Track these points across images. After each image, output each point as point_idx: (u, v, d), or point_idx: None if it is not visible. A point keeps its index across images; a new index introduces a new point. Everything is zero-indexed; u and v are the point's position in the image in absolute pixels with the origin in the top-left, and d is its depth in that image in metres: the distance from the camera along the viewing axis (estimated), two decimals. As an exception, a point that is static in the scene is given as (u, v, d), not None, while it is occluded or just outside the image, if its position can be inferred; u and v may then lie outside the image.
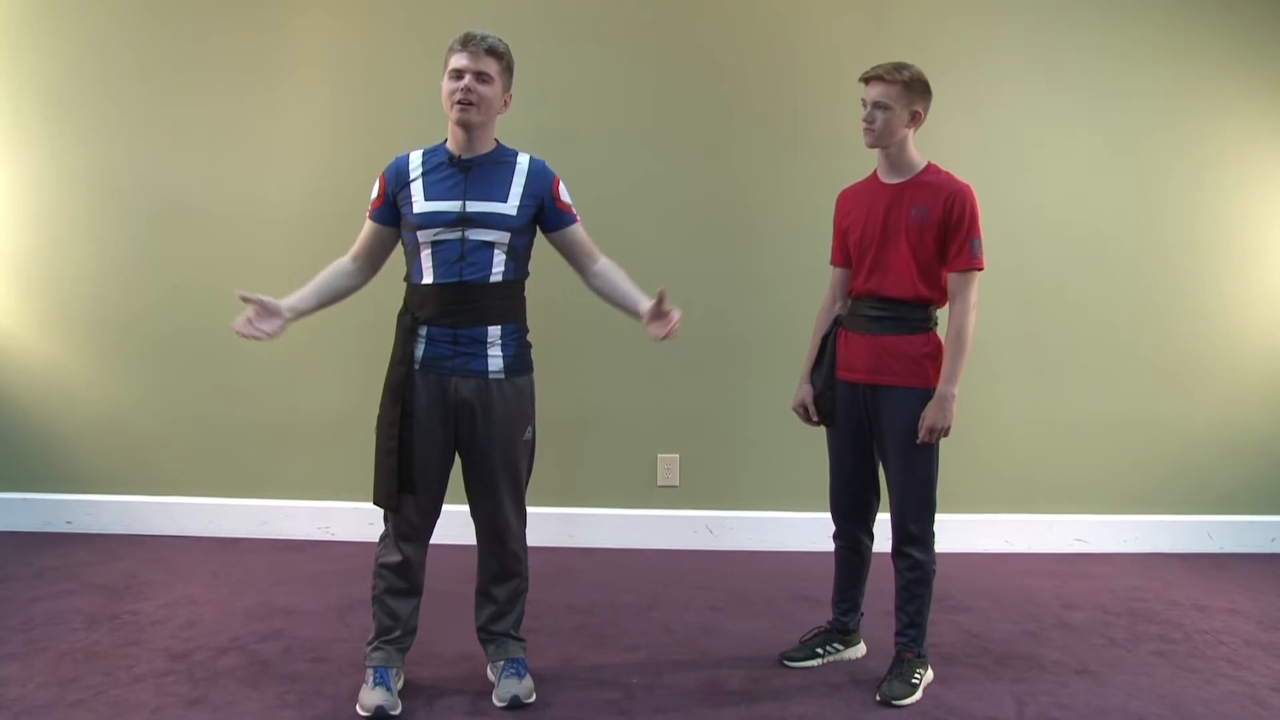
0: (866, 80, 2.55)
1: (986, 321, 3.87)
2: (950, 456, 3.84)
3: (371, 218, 2.48)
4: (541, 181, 2.46)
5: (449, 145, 2.43)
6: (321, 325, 3.84)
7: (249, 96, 3.90)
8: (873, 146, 2.57)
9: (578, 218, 2.52)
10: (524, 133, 3.85)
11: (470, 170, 2.40)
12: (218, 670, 2.63)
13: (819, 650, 2.76)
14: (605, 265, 2.53)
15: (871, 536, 2.76)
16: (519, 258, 2.46)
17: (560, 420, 3.95)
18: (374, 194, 2.47)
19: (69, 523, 4.00)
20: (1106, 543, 4.00)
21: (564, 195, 2.49)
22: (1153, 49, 3.91)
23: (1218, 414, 3.99)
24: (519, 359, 2.49)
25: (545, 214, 2.47)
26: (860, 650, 2.82)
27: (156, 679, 2.56)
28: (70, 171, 3.93)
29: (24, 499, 4.02)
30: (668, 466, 3.97)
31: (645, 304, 2.42)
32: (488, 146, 2.43)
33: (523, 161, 2.46)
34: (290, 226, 3.89)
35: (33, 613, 3.05)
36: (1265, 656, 2.87)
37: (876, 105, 2.51)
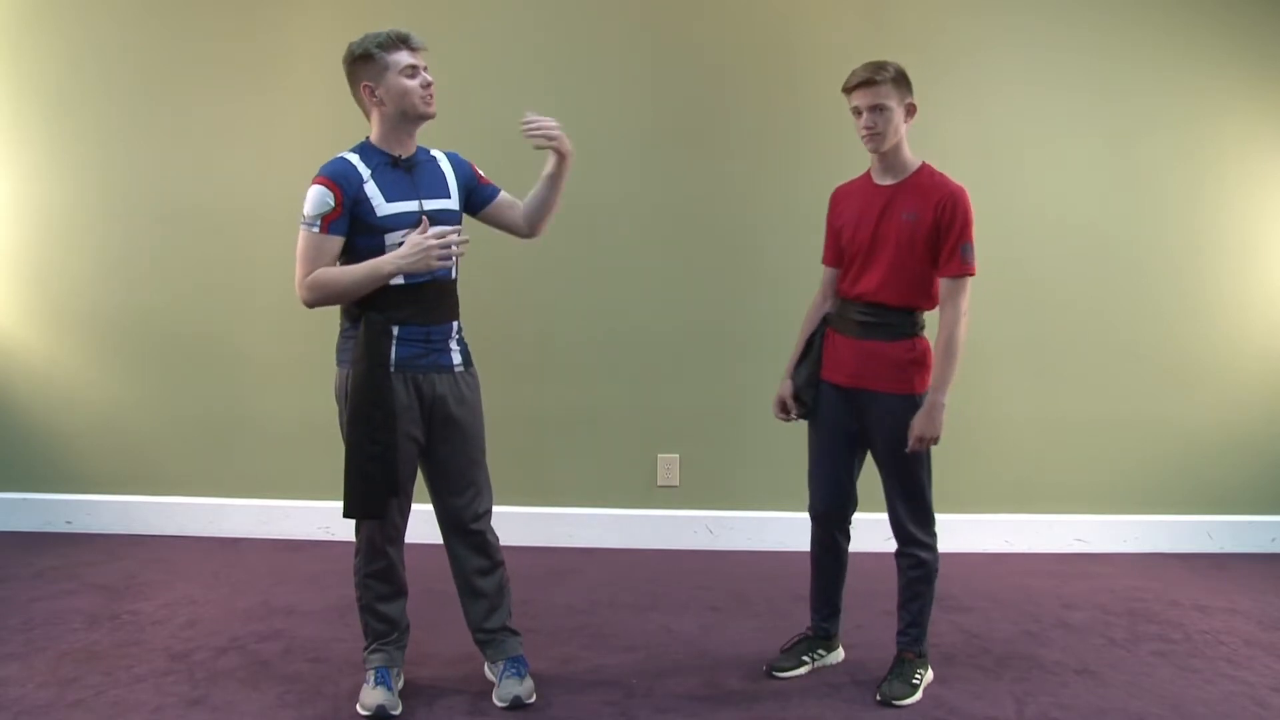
0: (855, 87, 2.49)
1: (986, 321, 3.88)
2: (950, 456, 3.85)
3: (328, 230, 2.32)
4: (464, 169, 2.55)
5: (383, 146, 2.41)
6: (320, 325, 3.84)
7: (249, 96, 3.90)
8: (879, 150, 2.52)
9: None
10: (520, 132, 3.86)
11: (413, 169, 2.42)
12: (218, 670, 2.64)
13: (805, 658, 2.74)
14: (525, 200, 2.61)
15: (848, 537, 2.74)
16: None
17: (560, 420, 3.95)
18: (326, 205, 2.31)
19: (69, 523, 4.00)
20: (1106, 543, 4.00)
21: (482, 172, 2.60)
22: (1153, 49, 3.90)
23: (1218, 414, 3.99)
24: (468, 352, 2.55)
25: (474, 195, 2.55)
26: (840, 655, 2.80)
27: (156, 679, 2.56)
28: (70, 171, 3.93)
29: (24, 499, 4.02)
30: (668, 466, 3.97)
31: (550, 163, 2.53)
32: (415, 144, 2.47)
33: (442, 156, 2.53)
34: (290, 226, 3.82)
35: (33, 613, 3.05)
36: (1265, 656, 2.87)
37: (875, 109, 2.46)
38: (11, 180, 3.94)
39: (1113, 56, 3.90)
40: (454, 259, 2.45)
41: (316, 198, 2.33)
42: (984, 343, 3.88)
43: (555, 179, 2.54)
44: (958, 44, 3.88)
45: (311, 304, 2.37)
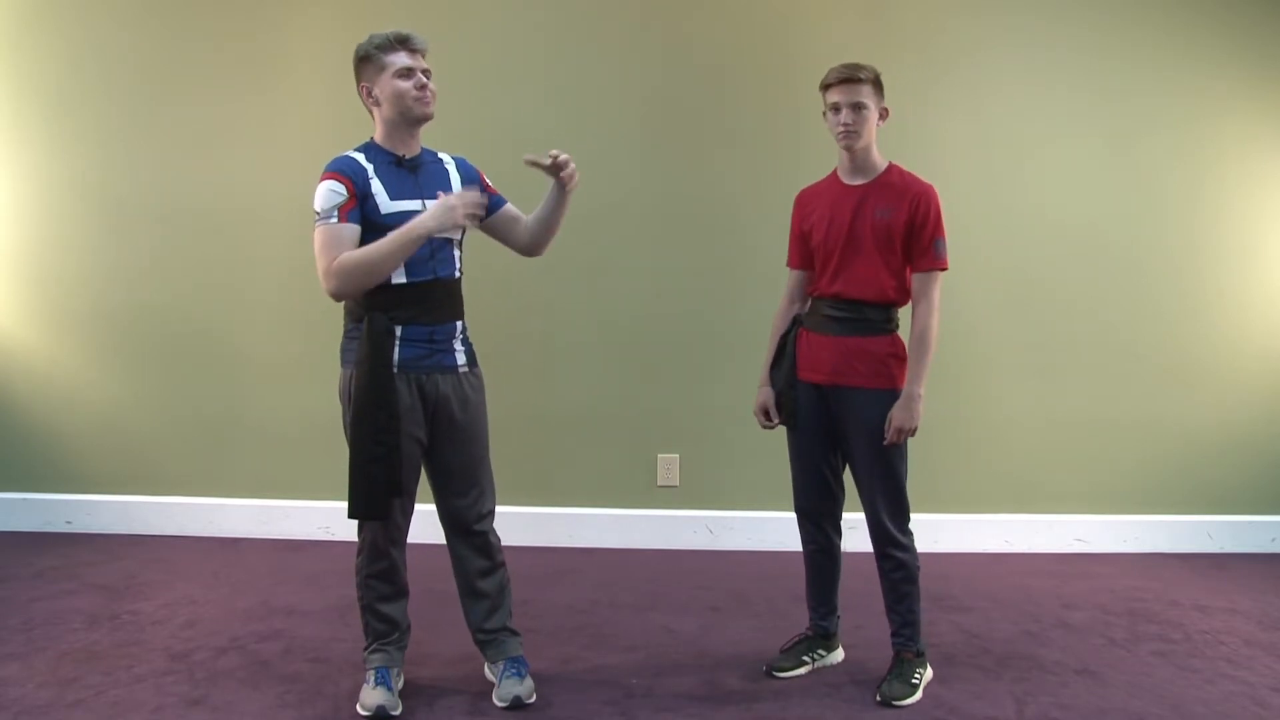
0: (836, 83, 2.51)
1: (986, 321, 3.88)
2: (950, 456, 3.88)
3: (346, 219, 2.29)
4: (470, 175, 2.54)
5: (387, 146, 2.41)
6: (320, 325, 3.84)
7: (249, 96, 3.91)
8: (853, 147, 2.54)
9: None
10: (520, 132, 3.86)
11: (418, 170, 2.42)
12: (218, 670, 2.63)
13: (805, 658, 2.73)
14: (528, 217, 2.60)
15: (840, 534, 2.74)
16: (462, 253, 2.53)
17: (561, 420, 3.95)
18: (339, 197, 2.30)
19: (69, 523, 4.00)
20: (1106, 543, 4.00)
21: (489, 181, 2.60)
22: (1153, 49, 3.91)
23: (1218, 414, 3.99)
24: (472, 351, 2.55)
25: None
26: (840, 655, 2.80)
27: (156, 679, 2.56)
28: (70, 171, 3.93)
29: (24, 499, 4.02)
30: (668, 466, 3.97)
31: (552, 189, 2.50)
32: (419, 145, 2.47)
33: (449, 160, 2.53)
34: (290, 226, 3.89)
35: (33, 613, 3.05)
36: (1265, 656, 2.87)
37: (855, 106, 2.49)
38: (11, 180, 3.95)
39: (1113, 56, 3.90)
40: (457, 260, 2.46)
41: (327, 191, 2.32)
42: (984, 343, 3.89)
43: (558, 203, 2.51)
44: (958, 44, 3.88)
45: (340, 292, 2.29)
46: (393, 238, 2.27)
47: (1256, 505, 4.04)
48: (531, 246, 2.61)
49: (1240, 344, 3.99)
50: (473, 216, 2.32)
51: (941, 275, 2.54)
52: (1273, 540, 4.04)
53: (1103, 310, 3.95)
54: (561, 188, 2.47)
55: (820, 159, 3.82)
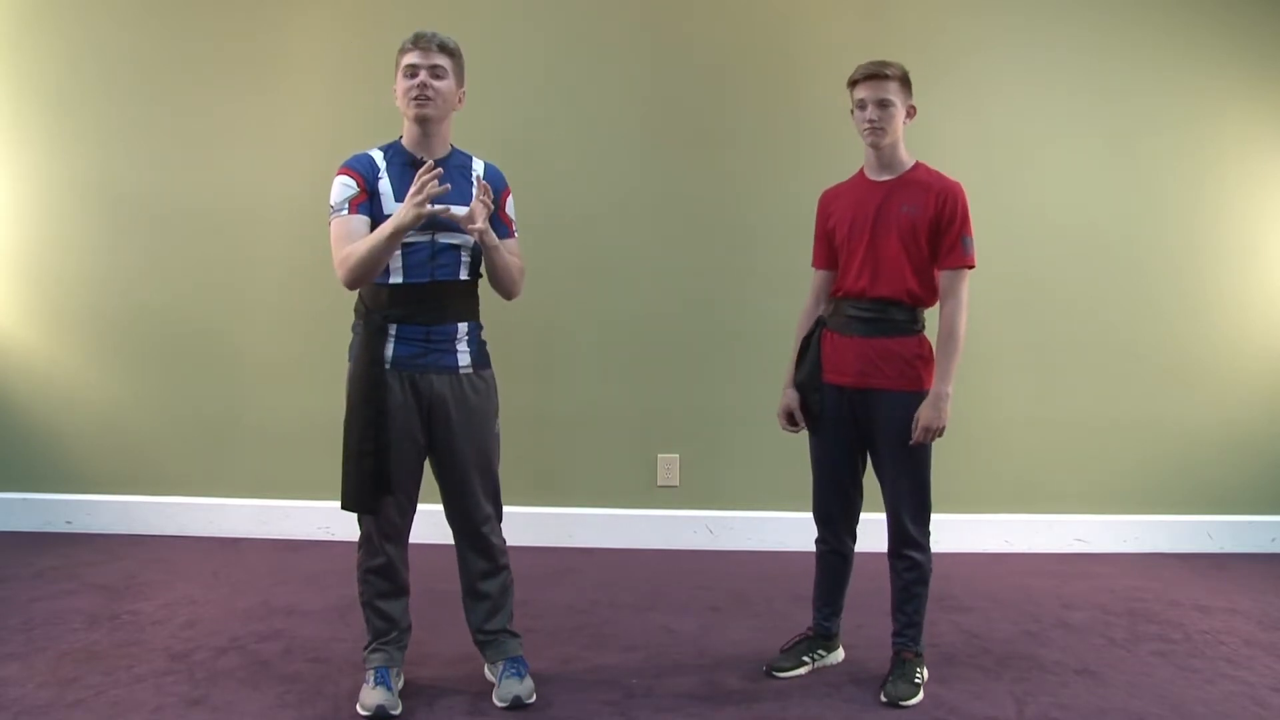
0: (862, 79, 2.51)
1: (986, 321, 3.88)
2: (950, 456, 3.86)
3: (356, 211, 2.34)
4: (496, 185, 2.50)
5: (407, 145, 2.42)
6: (320, 325, 3.85)
7: (249, 96, 3.91)
8: (879, 144, 2.53)
9: (516, 233, 2.56)
10: (521, 133, 3.87)
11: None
12: (218, 670, 2.63)
13: (805, 658, 2.72)
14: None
15: (855, 539, 2.73)
16: (477, 258, 2.50)
17: (561, 420, 3.95)
18: (350, 190, 2.35)
19: (69, 523, 4.00)
20: (1106, 543, 4.00)
21: (510, 208, 2.54)
22: (1153, 49, 3.91)
23: (1218, 414, 3.99)
24: (482, 353, 2.52)
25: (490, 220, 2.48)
26: (840, 656, 2.80)
27: (156, 679, 2.56)
28: (70, 172, 3.93)
29: (24, 499, 4.02)
30: (668, 466, 3.97)
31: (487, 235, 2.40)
32: (445, 148, 2.45)
33: (478, 167, 2.51)
34: (290, 226, 3.90)
35: (33, 613, 3.05)
36: (1265, 656, 2.87)
37: (882, 103, 2.48)
38: (11, 180, 3.94)
39: (1113, 56, 3.90)
40: (464, 265, 2.44)
41: (340, 186, 2.36)
42: (984, 343, 3.89)
43: (487, 257, 2.44)
44: (958, 44, 3.88)
45: (348, 282, 2.32)
46: (375, 234, 2.27)
47: (1256, 505, 4.05)
48: (500, 293, 2.55)
49: (1240, 344, 3.99)
50: (424, 202, 2.21)
51: (969, 273, 2.52)
52: (1273, 540, 4.04)
53: (1103, 310, 3.95)
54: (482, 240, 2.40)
55: (821, 158, 3.84)
